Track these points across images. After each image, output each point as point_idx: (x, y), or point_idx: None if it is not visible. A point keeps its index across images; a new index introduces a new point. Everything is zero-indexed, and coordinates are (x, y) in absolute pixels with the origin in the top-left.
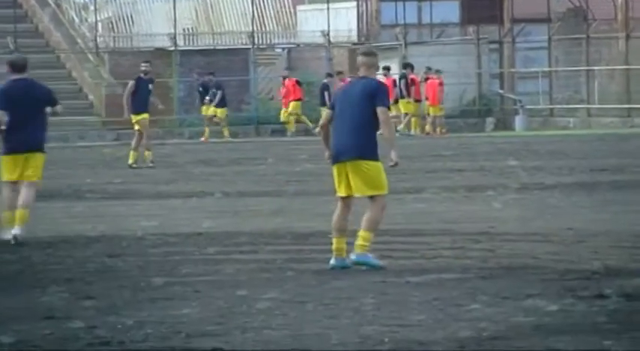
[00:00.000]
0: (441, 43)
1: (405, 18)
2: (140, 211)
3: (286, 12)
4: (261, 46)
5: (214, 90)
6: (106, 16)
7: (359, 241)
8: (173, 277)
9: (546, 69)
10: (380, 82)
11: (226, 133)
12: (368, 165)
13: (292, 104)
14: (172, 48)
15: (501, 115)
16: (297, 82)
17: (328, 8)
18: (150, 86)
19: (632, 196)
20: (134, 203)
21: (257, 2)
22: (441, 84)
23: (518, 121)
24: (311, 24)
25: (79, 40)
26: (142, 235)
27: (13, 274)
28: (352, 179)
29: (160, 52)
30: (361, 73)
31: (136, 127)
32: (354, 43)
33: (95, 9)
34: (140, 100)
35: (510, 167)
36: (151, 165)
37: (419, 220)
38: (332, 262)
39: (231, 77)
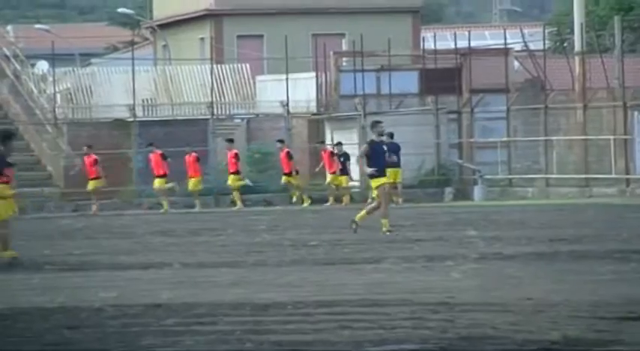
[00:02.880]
0: (400, 113)
1: (364, 88)
2: (99, 283)
3: (245, 82)
4: (220, 117)
5: None
6: (65, 87)
7: None
8: (132, 349)
9: (505, 139)
10: None
11: None
12: None
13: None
14: (131, 119)
15: (460, 185)
16: (162, 156)
17: (287, 79)
18: (385, 148)
19: (591, 266)
20: (93, 275)
21: (216, 73)
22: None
23: (477, 191)
24: (270, 94)
25: (37, 112)
26: (100, 307)
27: None
28: None
29: (119, 122)
30: None
31: (374, 194)
32: (313, 114)
33: (54, 80)
34: (376, 164)
35: (469, 237)
36: (387, 233)
37: (378, 290)
38: None
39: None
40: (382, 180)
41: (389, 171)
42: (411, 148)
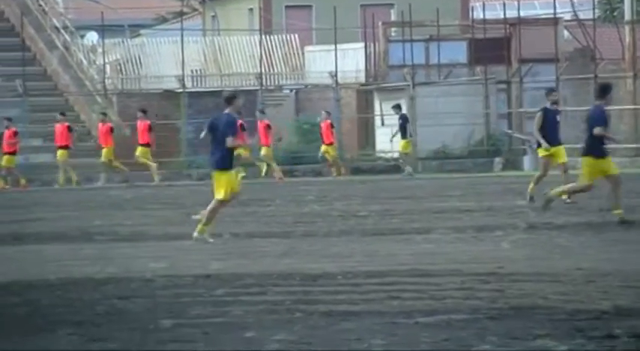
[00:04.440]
0: (449, 84)
1: (412, 58)
2: (149, 253)
3: (294, 53)
4: (269, 88)
5: None
6: (114, 58)
7: None
8: (182, 319)
9: None
10: None
11: None
12: None
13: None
14: (180, 90)
15: (510, 155)
16: (68, 128)
17: (336, 49)
18: (558, 117)
19: None
20: (143, 245)
21: (265, 44)
22: (332, 125)
23: (527, 160)
24: (319, 65)
25: (87, 83)
26: (150, 277)
27: (22, 317)
28: None
29: (168, 93)
30: None
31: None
32: (362, 84)
33: (103, 51)
34: (550, 133)
35: (519, 207)
36: (568, 201)
37: (427, 260)
38: None
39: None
40: (551, 150)
41: (401, 142)
42: (461, 118)
